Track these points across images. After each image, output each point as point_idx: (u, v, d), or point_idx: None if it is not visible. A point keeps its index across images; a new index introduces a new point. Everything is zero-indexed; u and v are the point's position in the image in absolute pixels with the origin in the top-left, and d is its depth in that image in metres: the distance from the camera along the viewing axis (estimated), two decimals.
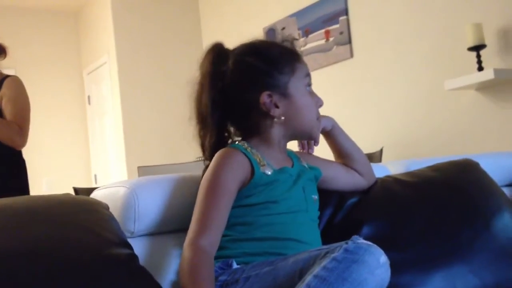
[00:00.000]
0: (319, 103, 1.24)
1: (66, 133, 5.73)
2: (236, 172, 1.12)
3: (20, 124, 2.42)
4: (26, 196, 1.11)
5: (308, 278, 0.91)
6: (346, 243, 0.93)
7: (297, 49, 1.25)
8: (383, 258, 0.92)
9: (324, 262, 0.91)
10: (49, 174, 5.44)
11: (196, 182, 1.21)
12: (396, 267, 1.00)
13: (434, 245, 1.30)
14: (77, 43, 5.95)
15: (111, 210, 1.12)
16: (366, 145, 3.65)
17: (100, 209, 1.08)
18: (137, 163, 4.31)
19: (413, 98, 3.54)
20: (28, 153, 2.61)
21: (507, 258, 1.35)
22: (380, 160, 3.29)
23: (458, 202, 1.42)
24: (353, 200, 1.35)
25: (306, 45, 4.31)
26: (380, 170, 1.55)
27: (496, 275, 1.31)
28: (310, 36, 4.29)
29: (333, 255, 0.92)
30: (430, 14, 3.42)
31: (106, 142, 5.56)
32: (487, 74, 2.92)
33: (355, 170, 1.36)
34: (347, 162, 1.36)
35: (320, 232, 1.24)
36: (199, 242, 1.04)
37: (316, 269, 0.91)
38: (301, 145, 1.36)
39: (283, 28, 4.51)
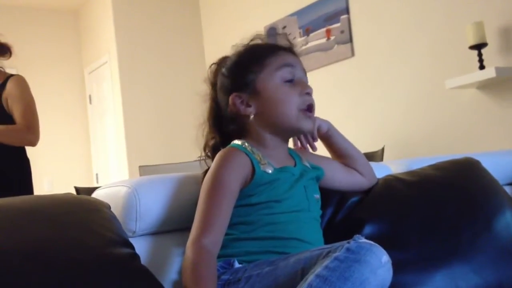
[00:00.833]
0: (304, 91, 1.19)
1: (67, 132, 5.73)
2: (238, 171, 1.13)
3: (30, 121, 2.48)
4: (27, 196, 1.11)
5: (310, 277, 0.91)
6: (348, 242, 0.93)
7: (281, 41, 1.25)
8: (385, 258, 0.92)
9: (326, 261, 0.91)
10: (50, 173, 5.45)
11: (198, 181, 1.21)
12: (398, 266, 1.00)
13: (435, 244, 1.30)
14: (78, 42, 5.95)
15: (112, 209, 1.12)
16: (367, 144, 3.65)
17: (102, 208, 1.08)
18: (138, 162, 4.31)
19: (414, 97, 3.54)
20: (29, 152, 2.61)
21: (509, 256, 1.35)
22: (381, 159, 3.29)
23: (460, 201, 1.42)
24: (354, 199, 1.35)
25: (307, 44, 4.31)
26: (382, 169, 1.54)
27: (498, 273, 1.31)
28: (311, 35, 4.29)
29: (335, 254, 0.92)
30: (431, 12, 3.42)
31: (108, 141, 5.56)
32: (489, 73, 2.91)
33: (356, 170, 1.36)
34: (347, 163, 1.36)
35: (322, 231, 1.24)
36: (202, 241, 1.04)
37: (318, 269, 0.91)
38: (298, 143, 1.35)
39: (284, 27, 4.51)
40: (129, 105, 5.18)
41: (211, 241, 1.05)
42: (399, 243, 1.27)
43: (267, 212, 1.13)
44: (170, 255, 1.21)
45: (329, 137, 1.35)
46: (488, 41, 2.99)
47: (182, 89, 5.21)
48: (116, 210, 1.14)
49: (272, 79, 1.19)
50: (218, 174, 1.12)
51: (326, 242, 1.18)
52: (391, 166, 1.63)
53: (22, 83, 2.52)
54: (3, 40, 2.52)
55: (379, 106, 3.78)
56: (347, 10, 3.99)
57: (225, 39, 4.68)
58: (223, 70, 1.25)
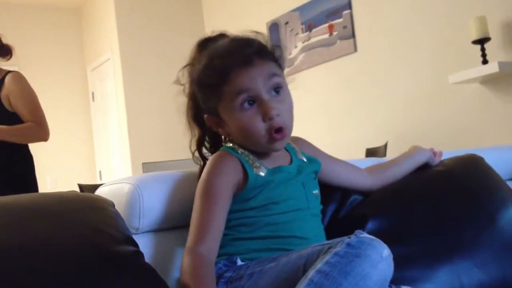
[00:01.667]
0: (267, 117, 1.10)
1: (70, 129, 5.74)
2: (229, 177, 1.12)
3: (37, 116, 2.50)
4: (32, 194, 1.12)
5: (311, 273, 0.91)
6: (349, 237, 0.93)
7: (242, 53, 1.11)
8: (385, 252, 0.92)
9: (327, 257, 0.91)
10: (53, 170, 5.46)
11: None
12: (401, 262, 1.00)
13: (439, 239, 1.30)
14: (80, 40, 5.95)
15: (115, 206, 1.13)
16: (370, 140, 3.65)
17: (106, 207, 1.09)
18: (141, 159, 4.32)
19: (417, 92, 3.54)
20: (32, 150, 2.62)
21: None
22: (384, 155, 3.28)
23: (463, 196, 1.41)
24: (357, 195, 1.35)
25: (310, 40, 4.31)
26: None
27: (502, 269, 1.30)
28: (314, 30, 4.28)
29: (335, 250, 0.92)
30: (434, 7, 3.41)
31: (111, 139, 5.57)
32: (492, 67, 2.91)
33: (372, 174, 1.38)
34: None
35: (324, 227, 1.24)
36: (198, 249, 1.05)
37: (319, 264, 0.91)
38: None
39: (287, 23, 4.50)
40: (132, 102, 5.19)
41: (207, 249, 1.05)
42: (403, 238, 1.27)
43: (266, 214, 1.12)
44: (173, 252, 1.21)
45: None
46: (491, 35, 2.98)
47: (185, 86, 5.21)
48: (119, 207, 1.14)
49: (231, 109, 1.12)
50: (210, 181, 1.12)
51: (329, 238, 1.16)
52: None
53: (20, 79, 2.52)
54: (5, 41, 2.52)
55: (382, 102, 3.77)
56: (349, 5, 3.98)
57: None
58: (196, 80, 1.20)
